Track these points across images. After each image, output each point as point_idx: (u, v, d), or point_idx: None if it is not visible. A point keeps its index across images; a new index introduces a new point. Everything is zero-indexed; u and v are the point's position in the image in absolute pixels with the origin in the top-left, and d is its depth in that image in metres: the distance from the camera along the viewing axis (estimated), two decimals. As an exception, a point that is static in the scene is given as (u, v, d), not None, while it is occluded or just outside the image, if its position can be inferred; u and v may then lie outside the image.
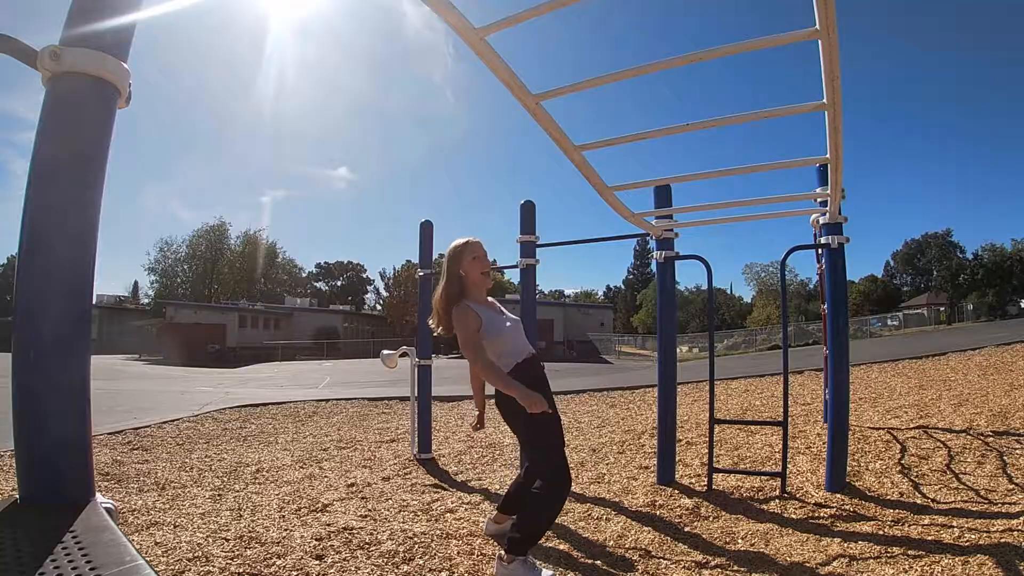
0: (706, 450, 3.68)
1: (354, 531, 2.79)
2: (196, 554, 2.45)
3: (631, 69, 1.98)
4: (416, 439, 4.70)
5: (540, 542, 2.48)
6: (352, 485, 3.77)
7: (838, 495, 3.22)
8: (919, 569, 2.23)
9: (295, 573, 2.32)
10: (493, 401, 2.41)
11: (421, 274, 4.91)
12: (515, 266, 4.21)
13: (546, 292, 62.15)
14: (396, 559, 2.47)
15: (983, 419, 4.86)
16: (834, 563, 2.38)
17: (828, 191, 3.22)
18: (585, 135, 2.44)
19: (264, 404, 7.87)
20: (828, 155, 2.61)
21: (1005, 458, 3.70)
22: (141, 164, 67.89)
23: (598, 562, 2.48)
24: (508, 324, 2.38)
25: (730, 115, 2.42)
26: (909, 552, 2.41)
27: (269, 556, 2.47)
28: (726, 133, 61.76)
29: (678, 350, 4.90)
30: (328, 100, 76.36)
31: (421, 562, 2.45)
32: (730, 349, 29.74)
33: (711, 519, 3.01)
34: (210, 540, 2.64)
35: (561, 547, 2.66)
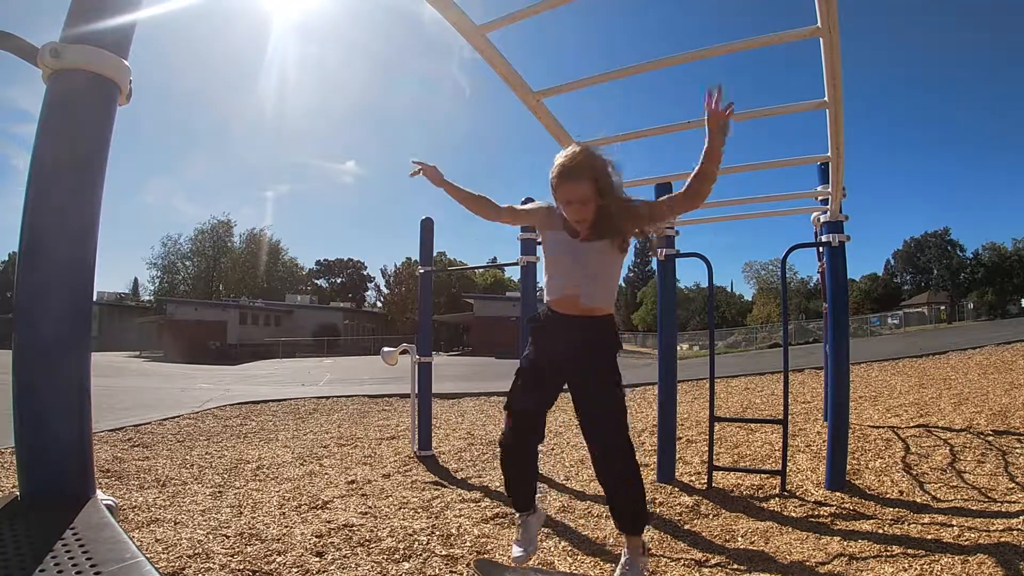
0: (706, 448, 3.68)
1: (354, 528, 2.79)
2: (196, 551, 2.45)
3: (632, 67, 1.98)
4: (416, 436, 4.70)
5: (538, 541, 2.46)
6: (352, 482, 3.77)
7: (838, 493, 3.22)
8: (918, 568, 2.23)
9: (295, 570, 2.32)
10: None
11: (422, 271, 4.91)
12: (516, 263, 4.23)
13: (547, 289, 61.99)
14: (396, 556, 2.47)
15: (983, 418, 4.87)
16: (834, 561, 2.38)
17: (829, 189, 3.23)
18: (585, 132, 2.44)
19: (264, 401, 7.87)
20: (829, 153, 2.61)
21: (1005, 457, 3.70)
22: (143, 159, 67.65)
23: (598, 559, 2.48)
24: (567, 254, 1.90)
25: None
26: (909, 551, 2.42)
27: (269, 553, 2.47)
28: (727, 131, 61.39)
29: (678, 348, 4.90)
30: (333, 96, 76.14)
31: (421, 559, 2.45)
32: (730, 347, 29.75)
33: (711, 517, 3.01)
34: (210, 537, 2.64)
35: (562, 544, 2.66)
